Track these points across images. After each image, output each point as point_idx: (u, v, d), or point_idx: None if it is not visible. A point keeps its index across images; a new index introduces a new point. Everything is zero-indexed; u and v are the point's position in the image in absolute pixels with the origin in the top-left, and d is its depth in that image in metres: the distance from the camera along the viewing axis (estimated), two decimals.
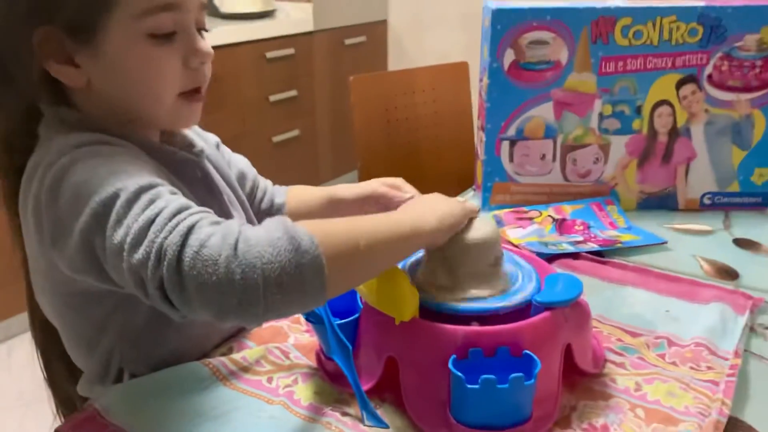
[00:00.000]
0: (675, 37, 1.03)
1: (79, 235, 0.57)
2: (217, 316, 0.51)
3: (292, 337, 0.77)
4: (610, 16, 1.03)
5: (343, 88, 3.10)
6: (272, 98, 2.68)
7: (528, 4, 1.04)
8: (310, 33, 2.82)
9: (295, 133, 2.85)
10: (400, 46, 3.35)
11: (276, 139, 2.73)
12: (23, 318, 0.85)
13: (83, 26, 0.64)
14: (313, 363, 0.72)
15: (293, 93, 2.79)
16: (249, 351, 0.72)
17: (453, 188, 1.82)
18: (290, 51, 2.71)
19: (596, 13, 1.03)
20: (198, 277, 0.50)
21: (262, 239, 0.51)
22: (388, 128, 1.69)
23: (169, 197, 0.56)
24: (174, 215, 0.54)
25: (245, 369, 0.70)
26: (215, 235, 0.51)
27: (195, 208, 0.56)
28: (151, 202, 0.55)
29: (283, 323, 0.79)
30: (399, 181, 0.93)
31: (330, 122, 3.08)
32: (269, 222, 0.54)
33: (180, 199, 0.56)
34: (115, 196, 0.56)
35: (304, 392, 0.68)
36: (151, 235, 0.52)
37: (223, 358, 0.70)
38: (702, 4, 1.03)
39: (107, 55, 0.65)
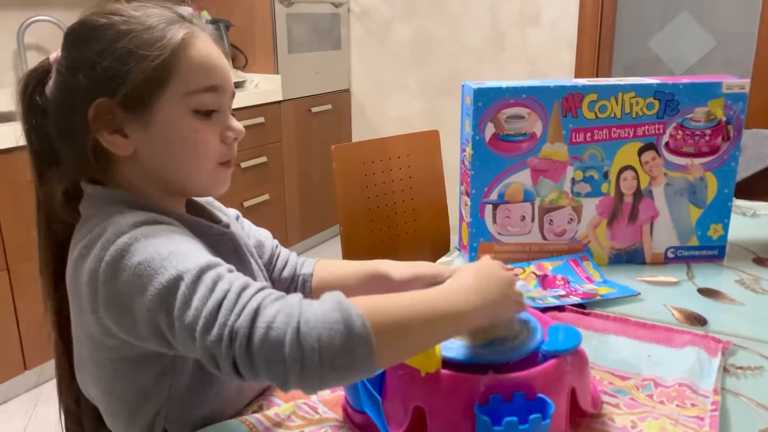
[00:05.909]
0: (635, 110, 1.17)
1: (146, 312, 0.62)
2: (281, 385, 0.57)
3: None
4: (578, 93, 1.16)
5: (310, 154, 3.22)
6: (243, 164, 2.75)
7: (504, 84, 1.16)
8: (278, 102, 2.93)
9: (265, 197, 2.93)
10: (363, 112, 3.49)
11: (247, 203, 2.79)
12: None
13: (139, 100, 0.71)
14: (340, 416, 0.78)
15: (263, 159, 2.88)
16: (280, 408, 0.78)
17: (428, 247, 1.92)
18: (260, 120, 2.81)
19: (566, 91, 1.15)
20: (266, 355, 0.56)
21: (319, 321, 0.56)
22: (366, 192, 1.78)
23: (229, 276, 0.62)
24: (239, 295, 0.59)
25: (279, 424, 0.76)
26: (279, 314, 0.57)
27: (255, 285, 0.61)
28: (215, 283, 0.60)
29: None
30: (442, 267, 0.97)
31: (298, 187, 3.16)
32: (326, 301, 0.59)
33: (240, 278, 0.62)
34: (179, 278, 0.61)
35: None
36: (221, 318, 0.58)
37: (258, 415, 0.76)
38: (657, 81, 1.17)
39: (156, 126, 0.72)
